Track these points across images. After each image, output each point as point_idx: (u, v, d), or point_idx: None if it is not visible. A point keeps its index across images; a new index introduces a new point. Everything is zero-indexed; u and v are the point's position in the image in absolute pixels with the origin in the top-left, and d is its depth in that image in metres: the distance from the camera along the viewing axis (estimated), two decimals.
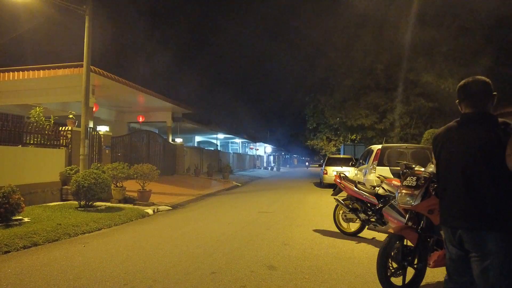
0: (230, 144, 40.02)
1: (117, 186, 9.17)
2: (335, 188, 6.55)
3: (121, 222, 6.97)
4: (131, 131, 18.41)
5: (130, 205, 8.74)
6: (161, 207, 8.90)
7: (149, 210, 8.26)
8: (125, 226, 6.85)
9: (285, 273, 3.93)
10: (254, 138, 42.82)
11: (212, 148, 30.46)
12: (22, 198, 6.12)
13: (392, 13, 15.34)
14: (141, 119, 17.95)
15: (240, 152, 39.75)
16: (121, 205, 8.74)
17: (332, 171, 15.52)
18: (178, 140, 19.57)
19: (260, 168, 41.99)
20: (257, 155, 46.18)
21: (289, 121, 66.29)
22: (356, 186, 5.85)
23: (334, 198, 6.31)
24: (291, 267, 4.15)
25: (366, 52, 17.05)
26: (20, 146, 9.61)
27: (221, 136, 31.91)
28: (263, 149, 49.76)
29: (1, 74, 11.84)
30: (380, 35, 16.14)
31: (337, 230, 6.19)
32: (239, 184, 18.08)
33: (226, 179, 19.42)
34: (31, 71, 11.58)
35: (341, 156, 19.05)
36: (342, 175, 6.39)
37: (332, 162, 16.62)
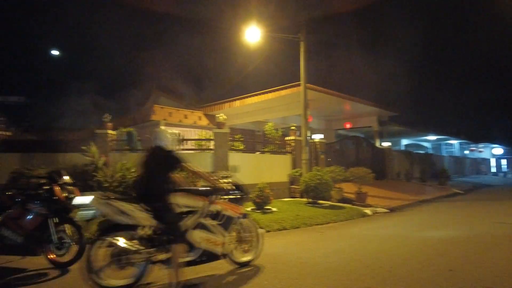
0: (443, 146, 35.44)
1: (335, 187, 10.21)
2: None
3: (344, 219, 7.83)
4: (338, 137, 19.68)
5: (349, 205, 9.55)
6: (378, 209, 9.26)
7: (368, 211, 8.79)
8: (349, 222, 7.64)
9: None
10: (476, 138, 36.15)
11: (422, 151, 28.01)
12: (271, 192, 7.96)
13: None
14: (348, 126, 18.90)
15: (458, 155, 34.51)
16: (340, 204, 9.68)
17: None
18: (385, 144, 19.29)
19: (486, 174, 34.98)
20: (481, 158, 38.68)
21: None
22: None
23: None
24: None
25: None
26: (257, 153, 12.29)
27: (432, 137, 28.90)
28: (489, 151, 41.15)
29: (243, 100, 15.47)
30: None
31: None
32: (461, 192, 15.94)
33: (443, 185, 17.52)
34: (262, 95, 14.58)
35: None
36: None
37: None
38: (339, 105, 16.67)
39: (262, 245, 4.38)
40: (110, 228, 3.42)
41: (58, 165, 8.56)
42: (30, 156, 9.34)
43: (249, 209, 7.95)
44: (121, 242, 3.31)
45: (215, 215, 3.82)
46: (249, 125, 19.26)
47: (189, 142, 10.57)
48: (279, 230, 6.58)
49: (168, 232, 3.39)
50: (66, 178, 4.42)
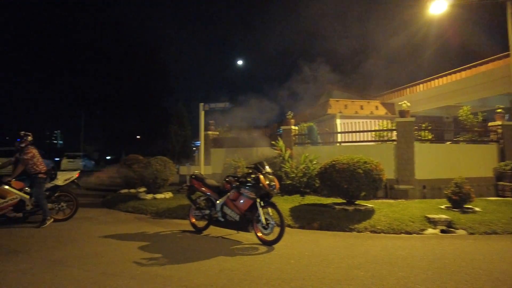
0: None
1: None
2: None
3: None
4: None
5: None
6: None
7: None
8: None
9: None
10: None
11: None
12: (472, 189, 6.80)
13: None
14: None
15: None
16: None
17: None
18: None
19: None
20: None
21: None
22: None
23: None
24: None
25: None
26: (448, 143, 10.65)
27: None
28: None
29: (427, 83, 13.78)
30: None
31: None
32: None
33: None
34: (452, 74, 12.56)
35: None
36: None
37: None
38: None
39: None
40: None
41: (253, 158, 10.03)
42: (232, 150, 11.32)
43: (442, 207, 7.06)
44: None
45: None
46: (435, 111, 17.00)
47: (368, 133, 10.26)
48: (487, 233, 5.55)
49: None
50: (268, 168, 5.13)
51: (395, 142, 9.14)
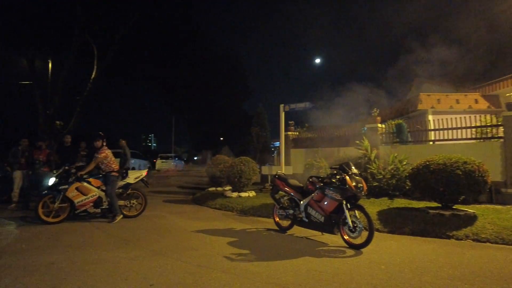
0: None
1: None
2: None
3: None
4: None
5: None
6: None
7: None
8: None
9: None
10: None
11: None
12: None
13: None
14: None
15: None
16: None
17: None
18: None
19: None
20: None
21: None
22: None
23: None
24: None
25: None
26: None
27: None
28: None
29: None
30: None
31: None
32: None
33: None
34: None
35: None
36: None
37: None
38: None
39: None
40: None
41: (335, 158, 9.76)
42: (312, 151, 11.19)
43: None
44: None
45: None
46: None
47: (466, 130, 9.14)
48: None
49: None
50: (354, 169, 4.96)
51: (501, 140, 7.99)
